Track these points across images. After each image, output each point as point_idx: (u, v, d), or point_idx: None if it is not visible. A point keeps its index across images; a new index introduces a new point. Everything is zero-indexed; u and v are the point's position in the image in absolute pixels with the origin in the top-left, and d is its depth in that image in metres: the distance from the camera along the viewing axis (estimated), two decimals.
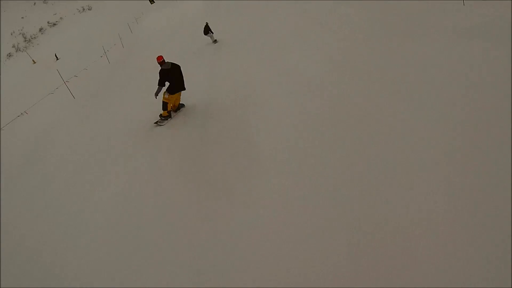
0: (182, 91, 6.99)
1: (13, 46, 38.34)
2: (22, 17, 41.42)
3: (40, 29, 38.83)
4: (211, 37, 13.46)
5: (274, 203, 3.77)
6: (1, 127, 11.20)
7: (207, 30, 13.30)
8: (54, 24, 38.88)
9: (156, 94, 6.81)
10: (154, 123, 6.99)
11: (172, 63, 6.80)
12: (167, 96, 6.76)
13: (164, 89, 6.81)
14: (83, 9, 39.02)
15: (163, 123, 6.93)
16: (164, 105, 6.81)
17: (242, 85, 7.59)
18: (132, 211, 4.50)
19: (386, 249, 2.85)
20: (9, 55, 37.69)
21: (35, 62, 33.69)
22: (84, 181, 5.79)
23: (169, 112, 6.94)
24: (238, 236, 3.48)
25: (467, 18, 7.21)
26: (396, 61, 6.31)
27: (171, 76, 6.65)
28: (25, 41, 38.51)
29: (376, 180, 3.58)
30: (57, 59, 29.98)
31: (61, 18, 38.90)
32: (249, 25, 14.30)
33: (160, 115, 6.98)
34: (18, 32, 39.78)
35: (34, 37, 38.53)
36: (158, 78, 6.61)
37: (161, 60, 6.67)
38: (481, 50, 5.59)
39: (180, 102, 7.27)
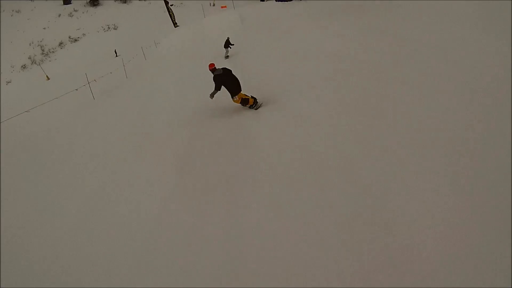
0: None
1: (29, 58, 36.58)
2: (44, 28, 39.93)
3: (60, 43, 37.17)
4: (227, 51, 14.46)
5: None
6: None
7: (227, 44, 14.33)
8: (76, 40, 37.18)
9: (211, 96, 7.21)
10: (255, 109, 7.40)
11: (223, 68, 7.26)
12: (237, 98, 7.23)
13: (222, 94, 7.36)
14: (109, 28, 37.14)
15: (257, 106, 7.39)
16: (244, 102, 7.31)
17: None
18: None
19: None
20: (24, 66, 35.87)
21: (48, 79, 31.52)
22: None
23: (253, 98, 7.36)
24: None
25: None
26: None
27: (225, 80, 7.09)
28: (43, 54, 36.76)
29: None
30: (116, 55, 29.25)
31: (83, 34, 37.17)
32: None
33: (250, 106, 7.43)
34: (37, 44, 38.12)
35: (53, 51, 36.80)
36: (214, 84, 7.08)
37: (212, 67, 7.18)
38: None
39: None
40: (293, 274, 2.94)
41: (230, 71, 7.28)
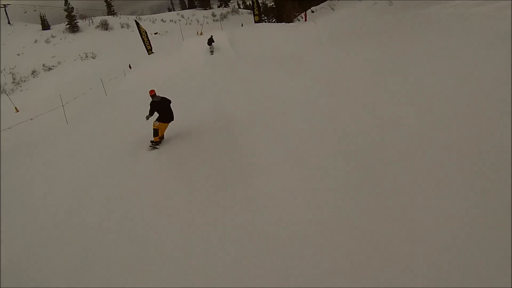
0: (170, 122, 8.21)
1: None
2: (18, 54, 37.93)
3: (33, 72, 34.97)
4: (211, 47, 17.09)
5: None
6: None
7: (210, 42, 17.01)
8: (50, 69, 35.13)
9: (147, 118, 8.10)
10: (149, 146, 8.07)
11: (162, 97, 8.15)
12: (157, 124, 7.99)
13: (154, 118, 8.11)
14: (86, 56, 35.29)
15: (157, 147, 8.09)
16: (155, 132, 8.04)
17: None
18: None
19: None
20: None
21: (17, 111, 29.23)
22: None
23: (160, 138, 8.18)
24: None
25: None
26: None
27: (161, 108, 7.99)
28: (14, 82, 34.54)
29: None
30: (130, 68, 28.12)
31: (59, 62, 35.17)
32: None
33: (151, 141, 8.11)
34: (9, 71, 35.97)
35: (24, 80, 34.54)
36: (149, 108, 7.94)
37: (152, 94, 8.03)
38: None
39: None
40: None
41: (169, 101, 8.18)
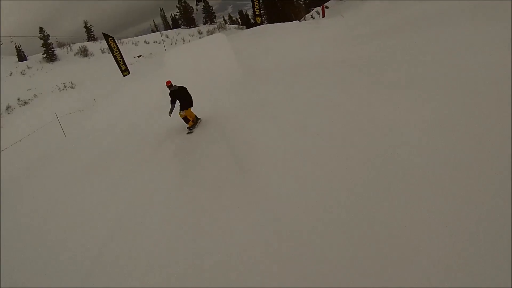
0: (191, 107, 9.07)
1: None
2: None
3: (7, 108, 32.34)
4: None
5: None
6: None
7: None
8: (25, 103, 32.58)
9: (170, 112, 9.01)
10: (187, 133, 8.87)
11: (178, 86, 9.11)
12: (182, 113, 8.94)
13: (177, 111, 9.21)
14: (65, 87, 32.86)
15: (193, 130, 8.99)
16: (186, 120, 9.06)
17: None
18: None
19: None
20: None
21: None
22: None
23: (193, 121, 9.12)
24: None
25: None
26: None
27: (178, 96, 8.94)
28: None
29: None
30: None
31: (35, 95, 32.64)
32: None
33: (188, 127, 9.09)
34: None
35: None
36: (170, 99, 9.01)
37: (169, 84, 9.03)
38: None
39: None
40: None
41: (185, 89, 9.06)
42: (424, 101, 5.36)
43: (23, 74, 36.89)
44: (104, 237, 4.99)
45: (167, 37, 47.30)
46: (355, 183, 4.09)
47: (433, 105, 5.09)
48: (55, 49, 39.18)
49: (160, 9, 60.28)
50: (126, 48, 40.13)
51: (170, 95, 8.89)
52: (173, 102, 8.88)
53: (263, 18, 21.51)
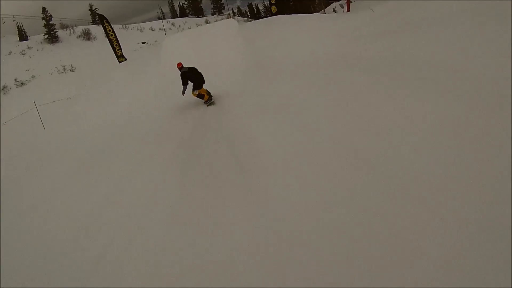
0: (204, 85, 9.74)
1: None
2: None
3: (4, 88, 31.36)
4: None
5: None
6: None
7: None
8: (22, 84, 31.59)
9: (183, 93, 9.60)
10: (207, 105, 9.68)
11: (189, 67, 9.71)
12: (196, 92, 9.62)
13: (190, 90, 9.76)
14: (64, 69, 31.83)
15: (211, 102, 9.80)
16: (200, 96, 9.75)
17: None
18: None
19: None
20: None
21: None
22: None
23: (208, 95, 9.82)
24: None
25: None
26: None
27: (188, 76, 9.46)
28: None
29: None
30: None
31: (33, 76, 31.61)
32: None
33: (205, 102, 9.82)
34: None
35: None
36: (181, 80, 9.47)
37: (180, 66, 9.65)
38: None
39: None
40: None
41: (196, 69, 9.69)
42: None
43: (22, 54, 35.91)
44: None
45: (173, 25, 46.24)
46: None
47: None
48: (57, 30, 38.09)
49: None
50: (131, 33, 39.17)
51: (181, 76, 9.35)
52: (185, 84, 9.38)
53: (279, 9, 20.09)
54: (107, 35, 20.96)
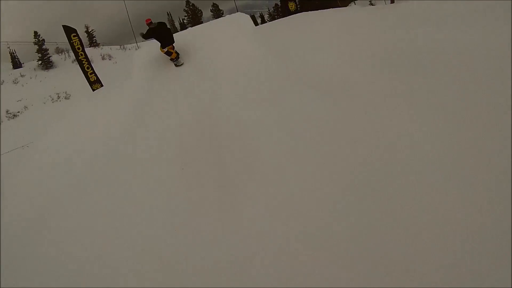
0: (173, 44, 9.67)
1: None
2: None
3: None
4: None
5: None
6: None
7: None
8: (14, 116, 29.50)
9: (141, 34, 9.87)
10: (176, 65, 9.70)
11: (158, 22, 9.36)
12: (165, 50, 9.54)
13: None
14: (58, 98, 29.71)
15: (178, 61, 9.72)
16: (168, 53, 9.59)
17: None
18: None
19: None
20: None
21: None
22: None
23: (176, 53, 9.71)
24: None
25: None
26: None
27: (156, 34, 9.31)
28: None
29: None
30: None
31: (25, 107, 29.50)
32: None
33: (172, 59, 9.68)
34: None
35: None
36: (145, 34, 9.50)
37: (148, 22, 9.26)
38: None
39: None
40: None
41: (165, 24, 9.49)
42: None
43: (15, 83, 33.98)
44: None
45: None
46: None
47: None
48: (51, 55, 36.15)
49: (168, 14, 57.13)
50: (128, 54, 37.02)
51: (146, 32, 9.34)
52: (144, 37, 9.60)
53: (297, 6, 16.55)
54: (76, 54, 15.89)
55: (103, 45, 41.42)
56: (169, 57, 9.59)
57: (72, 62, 36.72)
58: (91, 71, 16.53)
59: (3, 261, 5.24)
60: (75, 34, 15.85)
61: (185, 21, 53.43)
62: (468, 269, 2.63)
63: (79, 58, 16.01)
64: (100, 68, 34.97)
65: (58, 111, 28.52)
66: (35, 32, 36.21)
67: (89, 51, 38.84)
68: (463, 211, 3.19)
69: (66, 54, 38.03)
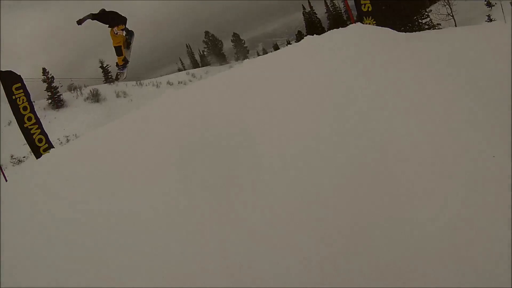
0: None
1: None
2: None
3: None
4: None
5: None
6: None
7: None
8: (20, 161, 27.09)
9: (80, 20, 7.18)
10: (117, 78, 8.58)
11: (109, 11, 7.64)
12: (116, 33, 7.59)
13: None
14: (67, 141, 27.15)
15: (122, 73, 8.23)
16: (118, 51, 7.82)
17: None
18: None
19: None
20: None
21: None
22: None
23: (124, 59, 7.95)
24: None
25: None
26: None
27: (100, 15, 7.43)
28: None
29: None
30: None
31: (31, 152, 26.64)
32: None
33: (118, 66, 8.11)
34: None
35: None
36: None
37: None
38: None
39: None
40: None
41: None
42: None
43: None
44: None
45: (194, 76, 41.97)
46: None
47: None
48: (61, 94, 34.12)
49: (187, 46, 55.50)
50: (145, 91, 34.70)
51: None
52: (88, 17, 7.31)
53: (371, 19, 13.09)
54: (17, 114, 11.50)
55: (117, 83, 39.29)
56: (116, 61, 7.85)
57: (84, 100, 34.63)
58: (39, 131, 12.25)
59: None
60: (19, 84, 11.14)
61: (205, 53, 51.71)
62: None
63: (24, 122, 11.52)
64: (113, 107, 32.74)
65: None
66: (44, 69, 34.42)
67: (102, 88, 36.95)
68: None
69: (78, 92, 36.03)
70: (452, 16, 14.96)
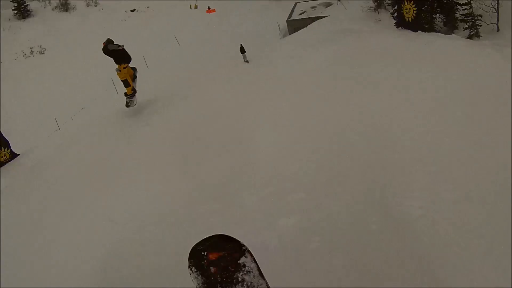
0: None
1: None
2: None
3: None
4: (244, 57, 14.20)
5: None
6: None
7: (242, 50, 14.37)
8: None
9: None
10: (128, 105, 9.03)
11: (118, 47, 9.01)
12: (119, 71, 8.78)
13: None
14: (32, 52, 25.49)
15: (132, 100, 9.02)
16: (126, 84, 8.93)
17: None
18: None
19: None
20: None
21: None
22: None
23: (133, 89, 9.09)
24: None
25: None
26: None
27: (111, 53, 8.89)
28: None
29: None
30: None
31: None
32: None
33: (126, 95, 8.99)
34: None
35: None
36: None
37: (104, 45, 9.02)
38: None
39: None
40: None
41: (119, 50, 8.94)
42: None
43: None
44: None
45: None
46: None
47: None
48: (28, 4, 31.32)
49: None
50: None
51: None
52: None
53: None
54: None
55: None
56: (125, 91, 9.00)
57: (52, 9, 32.02)
58: None
59: None
60: None
61: None
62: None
63: None
64: (82, 17, 30.44)
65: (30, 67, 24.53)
66: None
67: None
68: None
69: (46, 1, 33.15)
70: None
